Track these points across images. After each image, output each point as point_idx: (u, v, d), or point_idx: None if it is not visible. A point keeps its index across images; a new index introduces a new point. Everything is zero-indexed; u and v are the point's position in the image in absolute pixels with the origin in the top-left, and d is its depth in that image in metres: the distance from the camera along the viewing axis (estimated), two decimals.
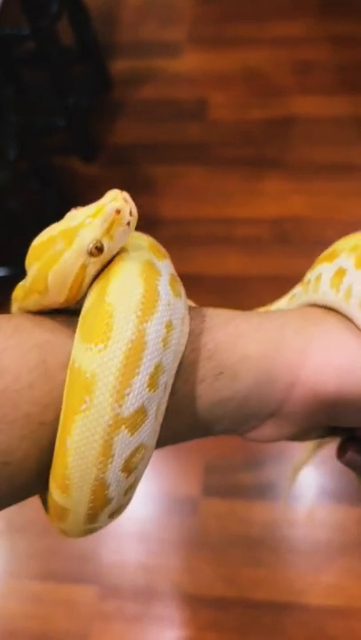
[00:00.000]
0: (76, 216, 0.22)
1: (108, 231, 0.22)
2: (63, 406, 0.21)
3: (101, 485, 0.21)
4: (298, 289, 0.31)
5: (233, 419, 0.25)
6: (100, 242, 0.22)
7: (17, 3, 1.16)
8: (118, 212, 0.22)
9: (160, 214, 1.38)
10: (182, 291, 0.24)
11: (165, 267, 0.23)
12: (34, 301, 0.24)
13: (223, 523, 1.05)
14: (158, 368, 0.21)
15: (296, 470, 0.44)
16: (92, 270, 0.22)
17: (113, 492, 0.22)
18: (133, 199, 0.23)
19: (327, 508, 1.04)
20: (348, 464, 0.28)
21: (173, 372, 0.23)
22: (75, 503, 0.22)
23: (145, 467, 0.23)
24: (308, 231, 1.32)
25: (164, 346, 0.21)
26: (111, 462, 0.21)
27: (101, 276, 0.23)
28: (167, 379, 0.22)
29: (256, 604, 0.99)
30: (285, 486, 0.54)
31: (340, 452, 0.28)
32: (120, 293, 0.21)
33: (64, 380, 0.22)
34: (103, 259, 0.22)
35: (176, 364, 0.23)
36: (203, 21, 1.69)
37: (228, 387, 0.24)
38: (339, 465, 0.28)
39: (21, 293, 0.25)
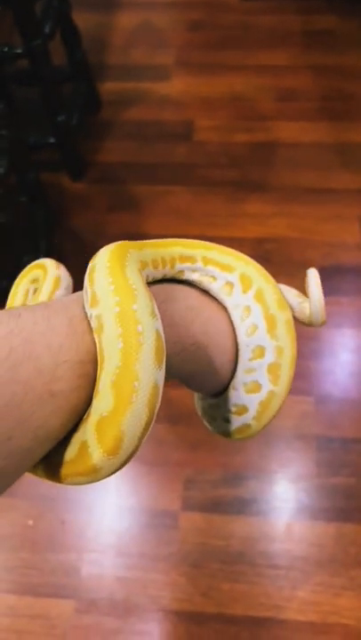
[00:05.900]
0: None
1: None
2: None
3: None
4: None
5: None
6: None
7: (10, 21, 1.19)
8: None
9: (145, 233, 1.40)
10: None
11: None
12: None
13: (202, 537, 1.06)
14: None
15: None
16: None
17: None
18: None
19: (305, 524, 1.06)
20: None
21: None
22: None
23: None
24: (289, 251, 1.35)
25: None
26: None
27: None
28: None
29: (234, 620, 0.99)
30: None
31: None
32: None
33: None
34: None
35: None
36: (191, 47, 1.75)
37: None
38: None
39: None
